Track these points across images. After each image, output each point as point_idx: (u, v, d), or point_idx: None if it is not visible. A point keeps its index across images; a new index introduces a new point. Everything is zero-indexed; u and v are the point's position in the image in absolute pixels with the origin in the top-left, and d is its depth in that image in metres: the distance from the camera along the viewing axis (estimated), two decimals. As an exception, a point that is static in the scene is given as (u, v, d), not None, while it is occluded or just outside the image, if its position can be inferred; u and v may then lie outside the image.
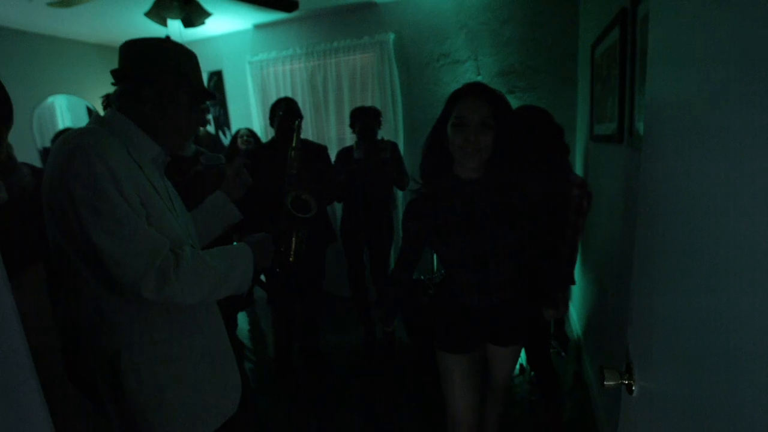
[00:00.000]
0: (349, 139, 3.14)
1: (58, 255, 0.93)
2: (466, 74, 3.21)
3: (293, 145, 1.81)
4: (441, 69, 3.30)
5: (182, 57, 1.03)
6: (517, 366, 2.52)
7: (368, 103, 3.13)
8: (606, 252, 1.93)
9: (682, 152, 0.60)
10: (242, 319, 3.44)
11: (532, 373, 2.33)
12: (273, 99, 2.94)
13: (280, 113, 2.30)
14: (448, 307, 1.41)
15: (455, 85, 1.32)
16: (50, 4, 2.29)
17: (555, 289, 1.56)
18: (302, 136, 1.87)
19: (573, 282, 1.74)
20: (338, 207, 3.14)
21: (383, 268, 2.84)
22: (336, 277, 3.41)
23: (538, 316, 1.58)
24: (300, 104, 2.57)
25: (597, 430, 1.98)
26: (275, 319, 2.67)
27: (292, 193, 1.74)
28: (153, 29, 2.87)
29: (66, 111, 3.69)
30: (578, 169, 2.87)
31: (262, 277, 2.90)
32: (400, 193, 3.32)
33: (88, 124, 1.00)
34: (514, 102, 2.76)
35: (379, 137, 2.64)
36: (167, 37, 1.25)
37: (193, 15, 2.45)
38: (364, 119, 2.61)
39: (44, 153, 3.40)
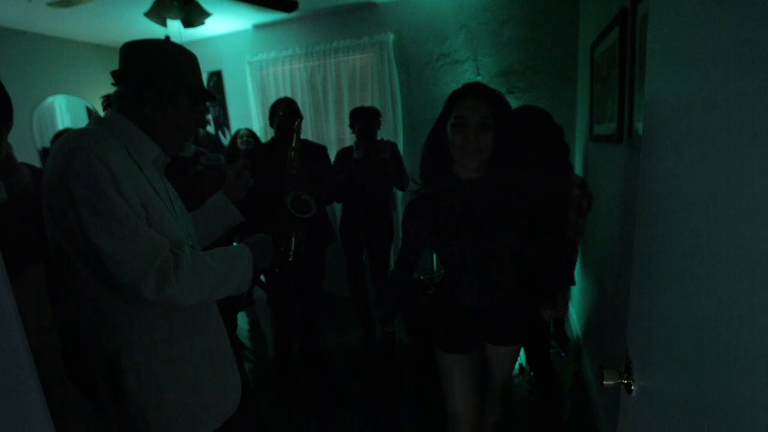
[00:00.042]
0: (349, 139, 3.14)
1: (58, 255, 0.93)
2: (466, 74, 3.21)
3: (293, 145, 1.81)
4: (440, 69, 3.30)
5: (182, 58, 1.03)
6: (517, 366, 2.52)
7: (368, 104, 3.13)
8: (606, 252, 1.93)
9: (681, 152, 0.60)
10: (242, 319, 3.44)
11: (532, 373, 2.33)
12: (272, 99, 2.94)
13: (280, 113, 2.30)
14: (448, 308, 1.41)
15: (455, 86, 1.33)
16: (50, 4, 2.29)
17: (555, 290, 1.56)
18: (302, 136, 1.87)
19: (573, 282, 1.74)
20: (338, 207, 3.14)
21: (383, 268, 2.84)
22: (336, 277, 3.41)
23: (537, 316, 1.58)
24: (299, 104, 2.57)
25: (596, 430, 1.98)
26: (275, 319, 2.67)
27: (291, 193, 1.74)
28: (153, 29, 2.87)
29: (65, 111, 3.69)
30: (578, 169, 2.87)
31: (262, 278, 2.90)
32: (399, 194, 3.32)
33: (88, 124, 1.00)
34: (513, 102, 2.77)
35: (378, 137, 2.64)
36: (167, 38, 1.25)
37: (193, 15, 2.45)
38: (364, 119, 2.61)
39: (44, 153, 3.40)
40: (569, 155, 1.84)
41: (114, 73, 1.00)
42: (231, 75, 4.07)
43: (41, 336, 1.23)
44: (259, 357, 2.94)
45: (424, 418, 2.21)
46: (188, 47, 1.08)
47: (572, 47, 2.92)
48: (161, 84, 0.99)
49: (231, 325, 3.00)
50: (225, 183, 1.35)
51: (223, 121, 4.25)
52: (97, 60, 3.87)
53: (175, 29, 2.73)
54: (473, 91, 1.20)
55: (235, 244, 1.15)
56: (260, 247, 1.15)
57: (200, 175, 2.14)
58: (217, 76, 4.14)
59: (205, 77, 4.11)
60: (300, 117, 2.27)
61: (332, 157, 2.73)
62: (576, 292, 2.92)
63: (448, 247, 1.29)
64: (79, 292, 0.95)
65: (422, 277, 2.63)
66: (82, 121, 3.77)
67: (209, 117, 4.15)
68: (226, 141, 4.07)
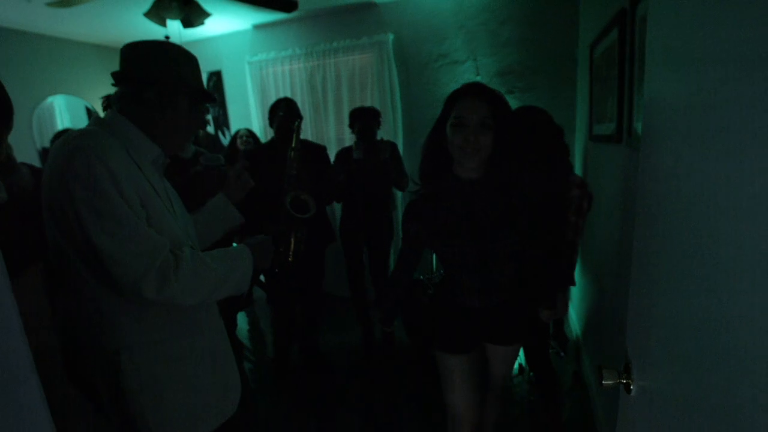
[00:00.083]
0: (349, 139, 3.14)
1: (58, 255, 0.93)
2: (465, 74, 3.21)
3: (293, 145, 1.81)
4: (440, 69, 3.30)
5: (182, 59, 1.03)
6: (516, 366, 2.52)
7: (367, 104, 3.13)
8: (605, 252, 1.93)
9: (680, 152, 0.60)
10: (242, 319, 3.44)
11: (531, 373, 2.34)
12: (272, 99, 2.94)
13: (280, 114, 2.30)
14: (448, 308, 1.41)
15: (454, 86, 1.33)
16: (49, 5, 2.29)
17: (553, 291, 1.56)
18: (301, 136, 1.87)
19: (573, 283, 1.73)
20: (338, 207, 3.14)
21: (383, 268, 2.85)
22: (335, 277, 3.41)
23: (537, 317, 1.58)
24: (299, 104, 2.57)
25: (596, 430, 1.98)
26: (275, 319, 2.67)
27: (291, 193, 1.75)
28: (152, 29, 2.87)
29: (65, 111, 3.69)
30: (577, 169, 2.87)
31: (262, 278, 2.90)
32: (399, 194, 3.33)
33: (88, 125, 1.01)
34: (513, 102, 2.77)
35: (378, 137, 2.64)
36: (166, 38, 1.25)
37: (193, 15, 2.45)
38: (363, 119, 2.61)
39: (43, 153, 3.39)
40: (569, 155, 1.84)
41: (114, 74, 1.00)
42: (230, 75, 4.07)
43: (41, 336, 1.23)
44: (258, 357, 2.94)
45: (424, 418, 2.21)
46: (188, 47, 1.08)
47: (571, 47, 2.92)
48: (161, 84, 1.00)
49: (231, 325, 3.00)
50: (225, 184, 1.36)
51: (222, 121, 4.25)
52: (97, 60, 3.87)
53: (174, 29, 2.73)
54: (473, 91, 1.20)
55: (234, 244, 1.15)
56: (260, 249, 1.15)
57: (199, 175, 2.14)
58: (216, 76, 4.14)
59: (204, 77, 4.11)
60: (300, 117, 2.27)
61: (332, 157, 2.73)
62: (575, 292, 2.92)
63: (448, 248, 1.29)
64: (79, 292, 0.95)
65: (422, 277, 2.63)
66: (82, 121, 3.77)
67: (209, 117, 4.14)
68: (225, 141, 4.07)
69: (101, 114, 3.09)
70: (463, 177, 1.25)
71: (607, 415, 1.81)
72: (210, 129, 4.20)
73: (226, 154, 3.22)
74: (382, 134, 2.87)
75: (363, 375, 2.64)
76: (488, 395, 1.61)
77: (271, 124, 2.40)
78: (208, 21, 2.70)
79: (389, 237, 2.85)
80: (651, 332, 0.72)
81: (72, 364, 1.07)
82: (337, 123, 3.65)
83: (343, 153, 2.71)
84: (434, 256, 3.01)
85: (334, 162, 2.68)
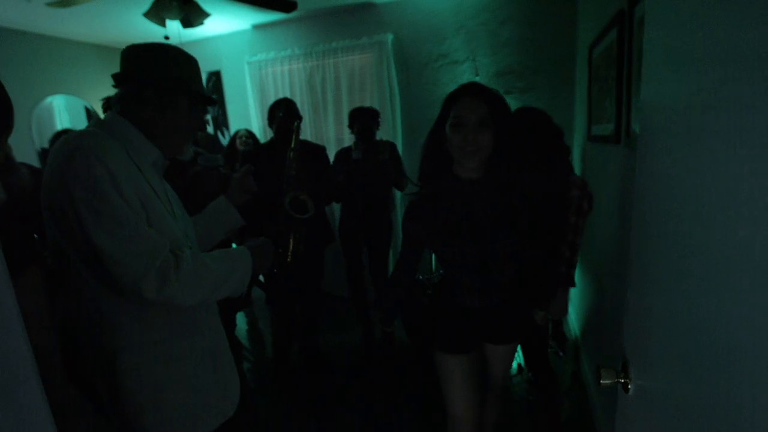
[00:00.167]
0: (348, 139, 3.14)
1: (58, 255, 0.94)
2: (465, 75, 3.22)
3: (292, 146, 1.81)
4: (439, 69, 3.30)
5: (182, 60, 1.04)
6: (515, 365, 2.53)
7: (367, 104, 3.13)
8: (604, 252, 1.94)
9: (676, 153, 0.61)
10: (241, 319, 3.44)
11: (530, 374, 2.34)
12: (271, 99, 2.94)
13: (280, 114, 2.30)
14: (448, 308, 1.42)
15: (453, 86, 1.33)
16: (49, 4, 2.29)
17: (549, 293, 1.56)
18: (301, 136, 1.88)
19: (573, 284, 1.72)
20: (337, 207, 3.14)
21: (382, 268, 2.85)
22: (335, 277, 3.41)
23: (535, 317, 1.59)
24: (298, 104, 2.58)
25: (595, 430, 1.99)
26: (274, 319, 2.68)
27: (290, 193, 1.75)
28: (152, 29, 2.87)
29: (64, 111, 3.69)
30: (576, 170, 2.87)
31: (261, 278, 2.90)
32: (398, 194, 3.33)
33: (88, 126, 1.01)
34: (512, 103, 2.76)
35: (377, 138, 2.64)
36: (166, 38, 1.25)
37: (192, 15, 2.45)
38: (363, 120, 2.61)
39: (42, 154, 3.39)
40: (570, 156, 1.84)
41: (115, 76, 1.00)
42: (230, 75, 4.07)
43: (41, 336, 1.23)
44: (258, 357, 2.94)
45: (424, 418, 2.21)
46: (187, 47, 1.09)
47: (570, 48, 2.93)
48: (161, 84, 1.00)
49: (230, 325, 3.01)
50: (229, 187, 1.36)
51: (222, 121, 4.25)
52: (96, 60, 3.87)
53: (174, 29, 2.73)
54: (471, 91, 1.20)
55: (234, 245, 1.15)
56: (260, 251, 1.16)
57: (198, 176, 2.14)
58: (216, 76, 4.14)
59: (204, 77, 4.11)
60: (299, 118, 2.28)
61: (331, 157, 2.73)
62: (575, 292, 2.93)
63: (448, 248, 1.29)
64: (79, 292, 0.95)
65: (420, 277, 2.63)
66: (81, 122, 3.77)
67: (208, 117, 4.14)
68: (225, 141, 4.07)
69: (101, 114, 3.09)
70: (463, 177, 1.26)
71: (606, 415, 1.81)
72: (209, 129, 4.20)
73: (225, 154, 3.23)
74: (382, 134, 2.88)
75: (363, 375, 2.65)
76: (488, 395, 1.61)
77: (270, 125, 2.40)
78: (207, 21, 2.70)
79: (388, 237, 2.85)
80: (648, 331, 0.72)
81: (72, 364, 1.07)
82: (337, 123, 3.65)
83: (343, 153, 2.71)
84: (433, 256, 3.02)
85: (333, 162, 2.68)
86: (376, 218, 2.75)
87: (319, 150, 2.50)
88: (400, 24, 3.33)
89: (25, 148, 3.26)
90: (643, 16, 1.09)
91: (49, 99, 3.53)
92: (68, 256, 0.91)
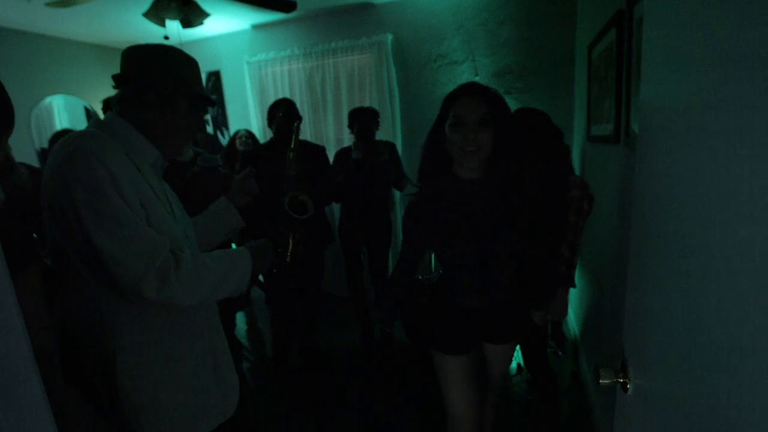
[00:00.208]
0: (348, 139, 3.14)
1: (58, 255, 0.94)
2: (464, 75, 3.22)
3: (291, 146, 1.81)
4: (438, 70, 3.30)
5: (182, 60, 1.04)
6: (514, 365, 2.53)
7: (366, 104, 3.14)
8: (603, 252, 1.94)
9: (676, 153, 0.61)
10: (240, 318, 3.44)
11: (529, 373, 2.34)
12: (271, 99, 2.95)
13: (279, 114, 2.31)
14: (448, 308, 1.42)
15: (453, 86, 1.33)
16: (48, 5, 2.29)
17: (551, 292, 1.56)
18: (300, 136, 1.88)
19: (573, 285, 1.72)
20: (336, 208, 3.14)
21: (382, 268, 2.85)
22: (335, 277, 3.41)
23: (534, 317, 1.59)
24: (298, 105, 2.58)
25: (594, 429, 1.99)
26: (274, 319, 2.68)
27: (289, 194, 1.74)
28: (151, 29, 2.87)
29: (64, 111, 3.68)
30: (576, 170, 2.87)
31: (260, 278, 2.90)
32: (398, 194, 3.33)
33: (88, 127, 1.01)
34: (511, 103, 2.76)
35: (377, 138, 2.64)
36: (166, 38, 1.25)
37: (192, 15, 2.45)
38: (362, 120, 2.61)
39: (42, 154, 3.39)
40: (570, 156, 1.84)
41: (115, 77, 1.00)
42: (229, 75, 4.07)
43: (41, 336, 1.23)
44: (257, 357, 2.94)
45: (423, 418, 2.22)
46: (187, 48, 1.09)
47: (570, 48, 2.93)
48: (161, 84, 1.00)
49: (230, 325, 3.01)
50: (230, 188, 1.36)
51: (221, 121, 4.24)
52: (96, 60, 3.87)
53: (173, 29, 2.73)
54: (471, 90, 1.20)
55: (234, 245, 1.15)
56: (260, 252, 1.16)
57: (197, 176, 2.14)
58: (215, 77, 4.13)
59: (204, 77, 4.11)
60: (299, 118, 2.28)
61: (331, 157, 2.73)
62: (574, 292, 2.93)
63: (448, 248, 1.29)
64: (79, 292, 0.95)
65: (420, 277, 2.63)
66: (80, 122, 3.76)
67: (207, 117, 4.14)
68: (224, 141, 4.07)
69: (100, 115, 3.09)
70: (463, 177, 1.26)
71: (605, 415, 1.81)
72: (209, 129, 4.20)
73: (225, 154, 3.23)
74: (381, 134, 2.88)
75: (362, 375, 2.65)
76: (488, 395, 1.61)
77: (270, 125, 2.40)
78: (207, 21, 2.70)
79: (388, 237, 2.85)
80: (647, 331, 0.72)
81: (71, 365, 1.07)
82: (336, 123, 3.65)
83: (342, 153, 2.71)
84: (432, 256, 3.02)
85: (333, 162, 2.68)
86: (375, 218, 2.75)
87: (319, 150, 2.50)
88: (399, 24, 3.33)
89: (25, 148, 3.26)
90: (642, 16, 1.09)
91: (48, 99, 3.53)
92: (68, 256, 0.91)
